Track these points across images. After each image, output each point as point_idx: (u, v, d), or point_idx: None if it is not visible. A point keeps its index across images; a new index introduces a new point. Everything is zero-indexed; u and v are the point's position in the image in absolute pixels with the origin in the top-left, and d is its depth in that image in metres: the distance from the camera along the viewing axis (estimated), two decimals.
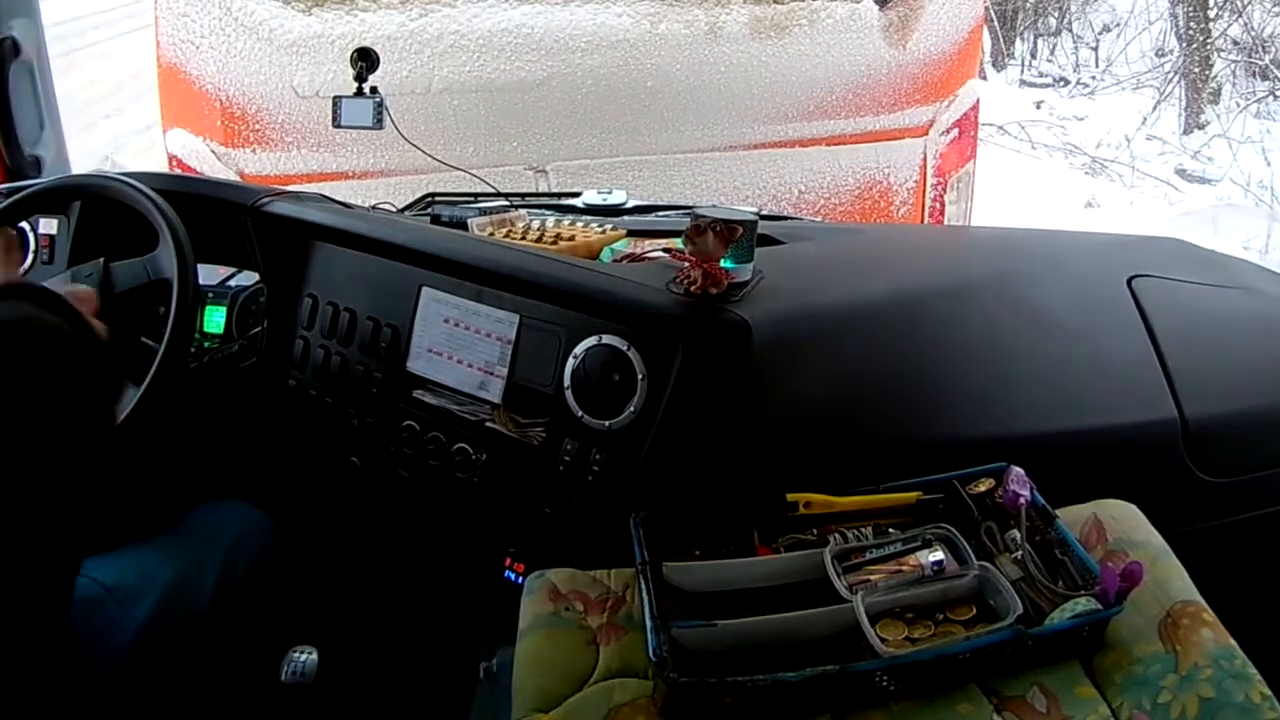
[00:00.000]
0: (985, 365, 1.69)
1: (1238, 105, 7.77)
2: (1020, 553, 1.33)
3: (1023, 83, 8.80)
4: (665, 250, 1.70)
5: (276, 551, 1.67)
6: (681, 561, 1.35)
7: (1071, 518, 1.43)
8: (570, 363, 1.51)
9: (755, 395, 1.49)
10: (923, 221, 3.76)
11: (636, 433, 1.47)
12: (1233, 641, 1.26)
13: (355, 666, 1.65)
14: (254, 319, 1.99)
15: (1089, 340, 1.79)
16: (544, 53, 3.29)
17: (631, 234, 1.91)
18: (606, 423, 1.49)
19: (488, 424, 1.60)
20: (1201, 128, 7.84)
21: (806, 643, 1.24)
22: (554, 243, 1.76)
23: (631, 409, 1.47)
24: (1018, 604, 1.24)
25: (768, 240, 1.90)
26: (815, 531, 1.40)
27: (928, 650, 1.21)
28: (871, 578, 1.31)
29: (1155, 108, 7.93)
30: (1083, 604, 1.26)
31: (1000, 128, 7.50)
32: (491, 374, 1.59)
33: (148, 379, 1.58)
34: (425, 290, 1.65)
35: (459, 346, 1.63)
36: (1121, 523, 1.43)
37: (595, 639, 1.30)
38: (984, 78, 8.61)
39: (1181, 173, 7.36)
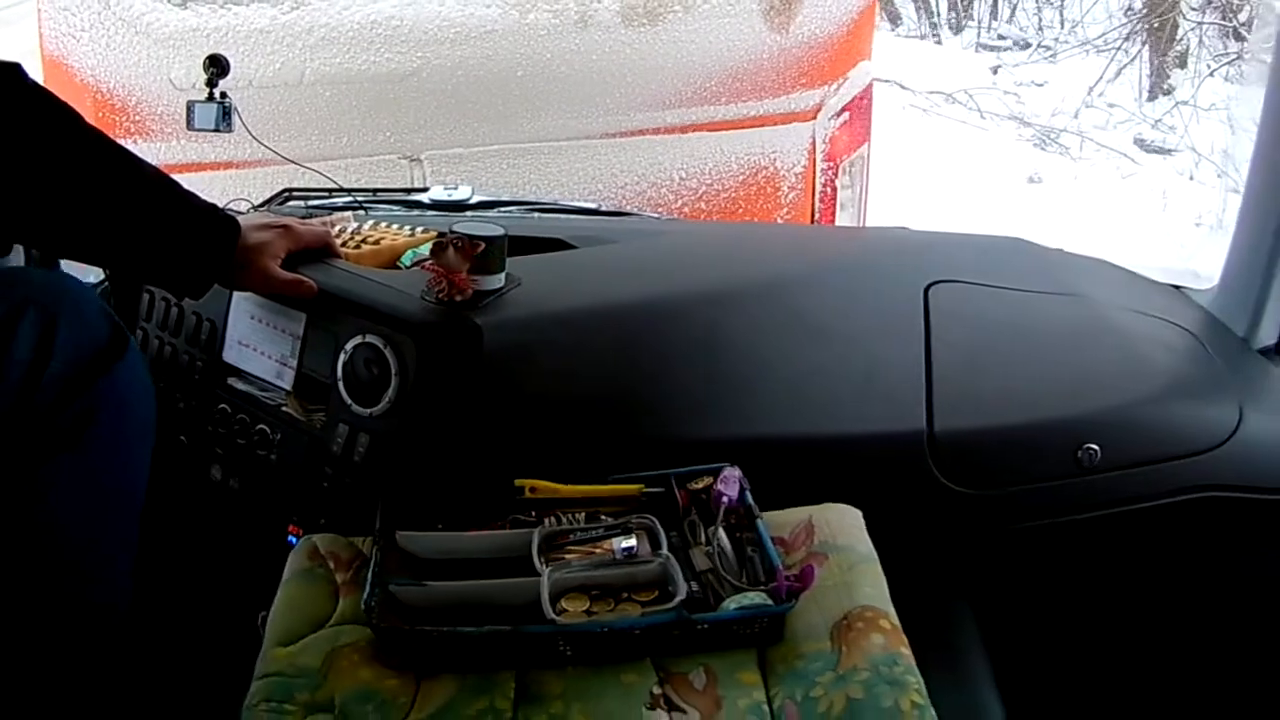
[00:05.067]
0: (734, 369, 1.95)
1: (1207, 68, 7.89)
2: (714, 546, 1.58)
3: (980, 46, 8.89)
4: (419, 263, 2.02)
5: None
6: (420, 532, 1.65)
7: (789, 519, 1.67)
8: (342, 357, 1.82)
9: (489, 391, 1.80)
10: (813, 207, 4.00)
11: (391, 420, 1.79)
12: (905, 650, 1.46)
13: (143, 624, 1.85)
14: None
15: (857, 348, 2.03)
16: (414, 44, 3.56)
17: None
18: (369, 411, 1.80)
19: (283, 408, 1.92)
20: (1167, 93, 7.95)
21: (507, 608, 1.48)
22: (357, 247, 2.09)
23: (387, 399, 1.78)
24: (683, 589, 1.47)
25: (561, 245, 2.23)
26: (534, 513, 1.66)
27: (596, 623, 1.46)
28: (567, 556, 1.57)
29: (1118, 74, 8.00)
30: (753, 597, 1.49)
31: (948, 96, 7.67)
32: (285, 365, 1.92)
33: None
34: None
35: (262, 340, 1.95)
36: (833, 526, 1.64)
37: (337, 591, 1.57)
38: (939, 42, 8.83)
39: (1140, 143, 7.49)
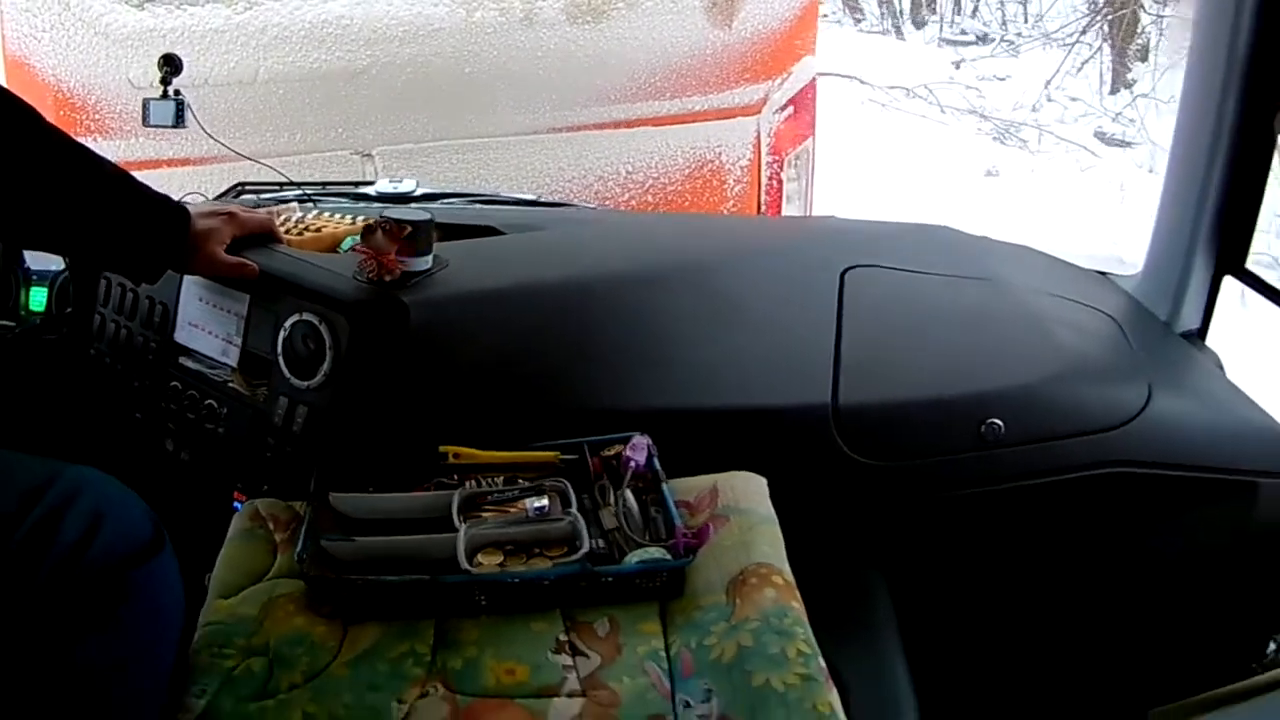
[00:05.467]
0: (650, 345, 2.09)
1: (1167, 60, 7.96)
2: (620, 507, 1.73)
3: (942, 41, 9.02)
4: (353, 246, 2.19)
5: None
6: (351, 494, 1.81)
7: (696, 485, 1.80)
8: (281, 334, 2.00)
9: (416, 364, 1.98)
10: (759, 200, 4.18)
11: (326, 392, 1.96)
12: (795, 604, 1.58)
13: None
14: (69, 299, 2.47)
15: (769, 327, 2.16)
16: (364, 42, 3.76)
17: None
18: (306, 384, 1.98)
19: (229, 384, 2.10)
20: (1128, 87, 8.09)
21: (428, 562, 1.62)
22: (300, 234, 2.26)
23: (322, 373, 1.96)
24: (586, 543, 1.62)
25: (494, 232, 2.40)
26: (456, 477, 1.80)
27: (508, 574, 1.60)
28: (484, 515, 1.71)
29: (1080, 68, 8.13)
30: (653, 553, 1.63)
31: (908, 91, 7.81)
32: (231, 343, 2.10)
33: None
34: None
35: (209, 320, 2.13)
36: (737, 492, 1.78)
37: (276, 549, 1.72)
38: (901, 37, 8.98)
39: (1101, 136, 7.66)
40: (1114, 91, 8.18)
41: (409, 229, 1.97)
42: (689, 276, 2.26)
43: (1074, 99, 8.12)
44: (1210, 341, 2.53)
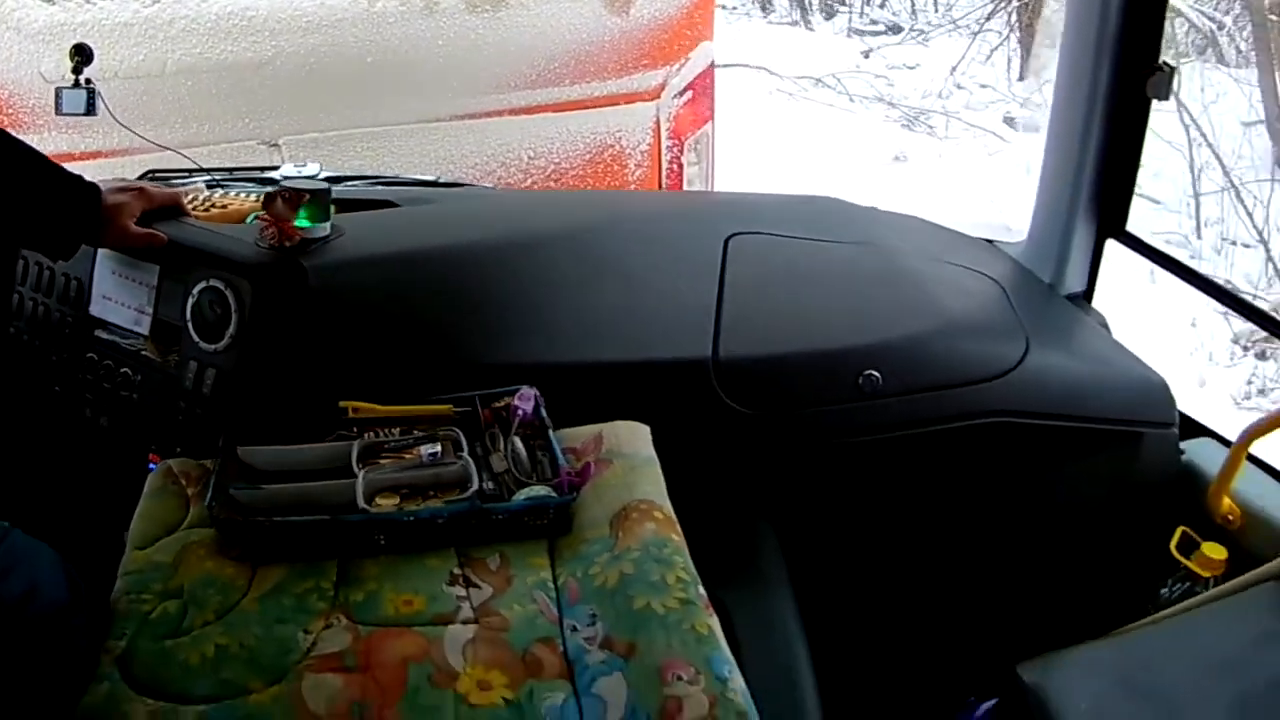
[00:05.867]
0: (538, 304, 2.21)
1: None
2: (509, 452, 1.88)
3: (852, 31, 9.18)
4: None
5: None
6: (257, 447, 1.94)
7: (583, 433, 1.93)
8: (190, 301, 2.14)
9: (316, 325, 2.12)
10: (660, 183, 4.31)
11: (232, 354, 2.10)
12: (675, 536, 1.71)
13: None
14: None
15: (656, 289, 2.29)
16: (268, 33, 3.85)
17: None
18: (213, 347, 2.12)
19: (142, 352, 2.23)
20: (1036, 73, 8.27)
21: (330, 506, 1.73)
22: (208, 210, 2.41)
23: (228, 335, 2.10)
24: (475, 483, 1.77)
25: (388, 203, 2.55)
26: (356, 429, 1.92)
27: (403, 512, 1.74)
28: (382, 462, 1.85)
29: (989, 56, 8.32)
30: (538, 490, 1.77)
31: (817, 80, 7.97)
32: (143, 312, 2.23)
33: None
34: (100, 249, 2.27)
35: (122, 292, 2.26)
36: (621, 438, 1.90)
37: (188, 503, 1.82)
38: (810, 28, 9.15)
39: (1010, 121, 7.86)
40: (1022, 78, 8.37)
41: (307, 196, 2.13)
42: (576, 241, 2.41)
43: (983, 86, 8.31)
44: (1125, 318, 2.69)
